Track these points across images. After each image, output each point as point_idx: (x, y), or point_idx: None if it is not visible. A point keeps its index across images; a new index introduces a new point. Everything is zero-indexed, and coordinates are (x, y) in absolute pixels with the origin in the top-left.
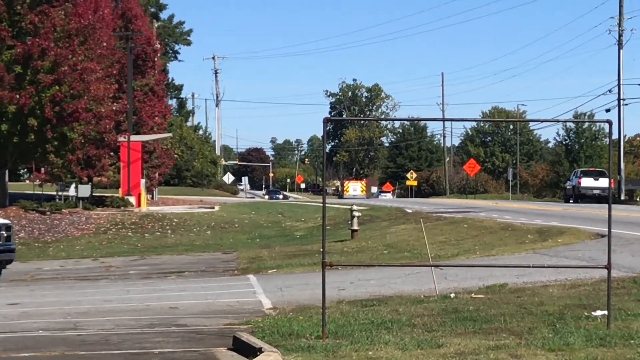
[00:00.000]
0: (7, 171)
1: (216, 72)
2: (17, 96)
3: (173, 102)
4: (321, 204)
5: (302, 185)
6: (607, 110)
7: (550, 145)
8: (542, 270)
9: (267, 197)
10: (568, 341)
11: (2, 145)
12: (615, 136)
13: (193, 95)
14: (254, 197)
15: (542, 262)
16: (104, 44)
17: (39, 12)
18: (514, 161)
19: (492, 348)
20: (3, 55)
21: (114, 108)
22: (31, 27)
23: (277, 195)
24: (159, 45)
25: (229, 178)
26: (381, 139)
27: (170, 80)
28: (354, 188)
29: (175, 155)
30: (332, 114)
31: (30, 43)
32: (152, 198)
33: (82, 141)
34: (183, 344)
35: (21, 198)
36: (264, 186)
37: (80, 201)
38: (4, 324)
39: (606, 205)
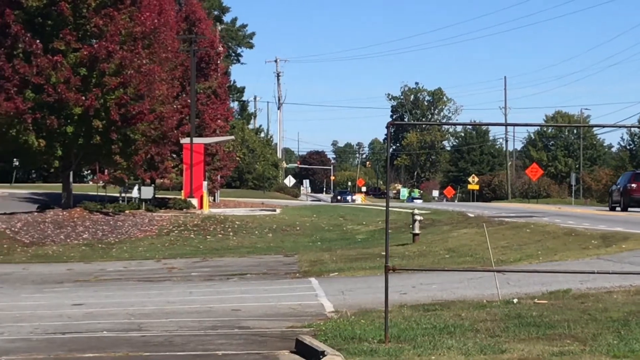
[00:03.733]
0: (71, 173)
1: (278, 75)
2: (83, 98)
3: (235, 105)
4: (383, 208)
5: (363, 189)
6: None
7: (614, 149)
8: (607, 276)
9: (339, 197)
10: (633, 348)
11: (67, 146)
12: None
13: (255, 98)
14: (319, 201)
15: (606, 268)
16: (169, 48)
17: (104, 16)
18: (577, 166)
19: (556, 354)
20: (68, 57)
21: (176, 107)
22: (96, 30)
23: (348, 197)
24: (221, 48)
25: (290, 181)
26: (443, 142)
27: (232, 82)
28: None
29: (237, 158)
30: (394, 118)
31: (97, 46)
32: (214, 200)
33: (145, 141)
34: (246, 346)
35: (85, 199)
36: (324, 189)
37: (143, 203)
38: (69, 324)
39: None
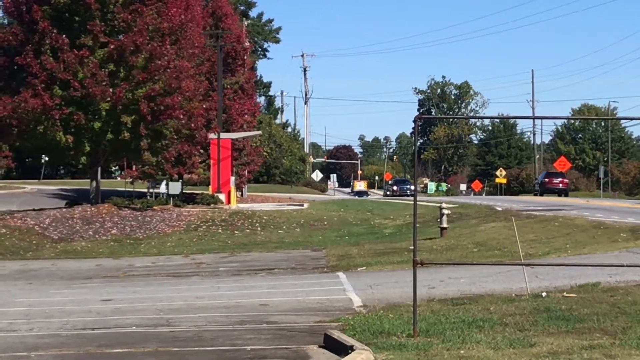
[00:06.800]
0: (99, 168)
1: (305, 70)
2: (111, 90)
3: (262, 100)
4: (410, 202)
5: (390, 182)
6: None
7: None
8: (636, 269)
9: (395, 188)
10: None
11: (95, 142)
12: None
13: (282, 93)
14: (363, 195)
15: (635, 261)
16: (195, 44)
17: (131, 11)
18: (605, 158)
19: (586, 348)
20: (96, 53)
21: (204, 106)
22: (124, 25)
23: (406, 186)
24: (248, 44)
25: (317, 175)
26: (470, 136)
27: (258, 78)
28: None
29: (264, 153)
30: (421, 112)
31: (124, 39)
32: (242, 195)
33: (175, 137)
34: (274, 341)
35: (113, 195)
36: (351, 183)
37: (171, 198)
38: (98, 320)
39: None
